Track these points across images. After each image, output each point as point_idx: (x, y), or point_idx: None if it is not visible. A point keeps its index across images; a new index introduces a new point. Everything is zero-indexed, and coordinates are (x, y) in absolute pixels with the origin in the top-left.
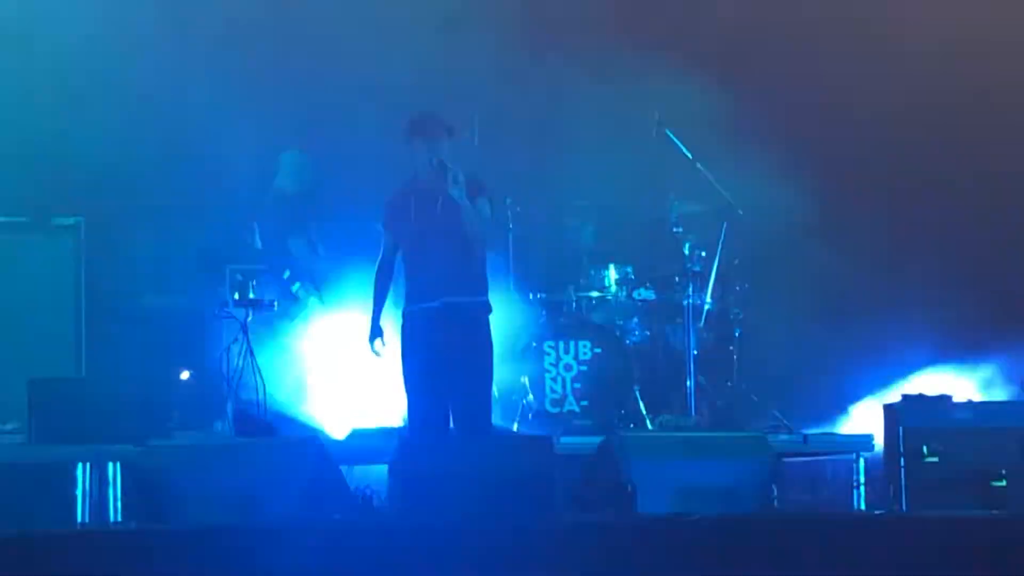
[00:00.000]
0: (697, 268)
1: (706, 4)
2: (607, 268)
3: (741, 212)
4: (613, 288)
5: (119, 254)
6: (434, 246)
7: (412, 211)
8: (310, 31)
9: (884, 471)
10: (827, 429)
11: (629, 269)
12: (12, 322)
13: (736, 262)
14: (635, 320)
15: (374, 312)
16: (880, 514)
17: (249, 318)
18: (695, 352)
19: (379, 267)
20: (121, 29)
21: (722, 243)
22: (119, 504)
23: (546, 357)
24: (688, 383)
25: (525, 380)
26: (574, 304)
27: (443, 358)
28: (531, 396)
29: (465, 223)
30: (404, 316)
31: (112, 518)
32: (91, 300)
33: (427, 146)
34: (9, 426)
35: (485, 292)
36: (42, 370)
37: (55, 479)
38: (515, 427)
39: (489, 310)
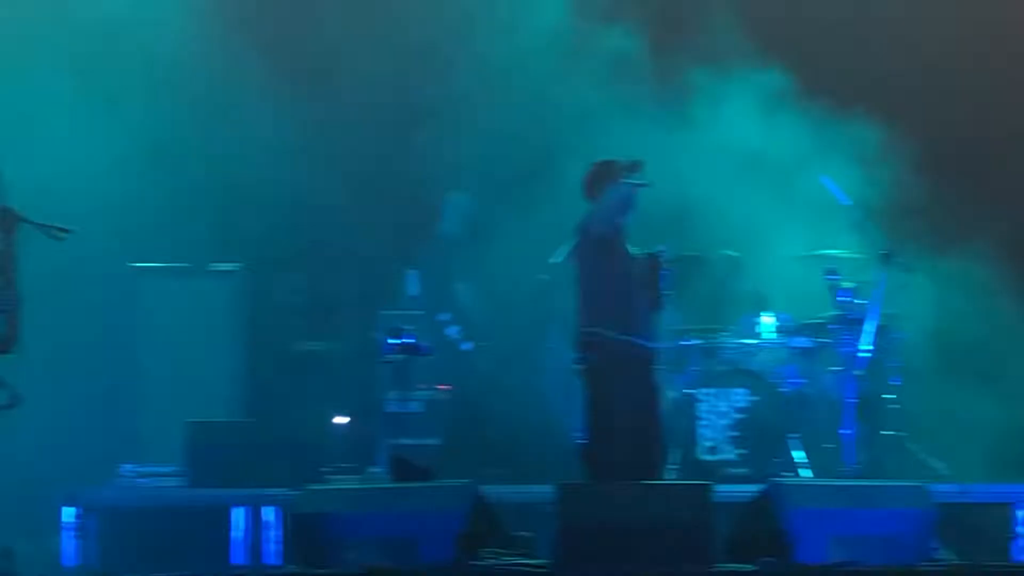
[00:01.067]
0: (855, 315)
1: (857, 44)
2: (763, 315)
3: (900, 259)
4: (769, 335)
5: (276, 299)
6: (633, 285)
7: (617, 247)
8: (461, 80)
9: None
10: (985, 480)
11: (785, 316)
12: (172, 366)
13: (895, 310)
14: (791, 367)
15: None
16: None
17: (405, 363)
18: (853, 400)
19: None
20: (275, 82)
21: (880, 290)
22: (278, 548)
23: (700, 404)
24: (846, 431)
25: (679, 427)
26: (730, 351)
27: (626, 399)
28: (685, 444)
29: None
30: (589, 347)
31: (267, 561)
32: (248, 345)
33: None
34: (167, 469)
35: None
36: (200, 413)
37: (212, 522)
38: (670, 475)
39: None
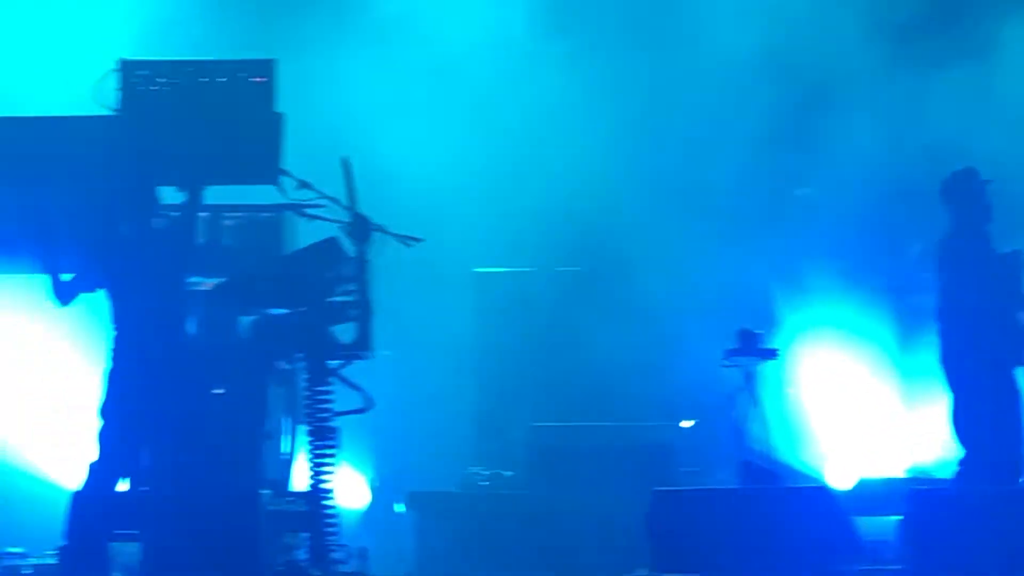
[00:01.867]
0: None
1: None
2: None
3: None
4: None
5: (621, 303)
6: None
7: (982, 252)
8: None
9: None
10: None
11: None
12: (512, 369)
13: None
14: None
15: None
16: None
17: (755, 366)
18: None
19: None
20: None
21: None
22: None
23: None
24: None
25: None
26: None
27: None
28: None
29: None
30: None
31: None
32: (590, 348)
33: None
34: (508, 473)
35: None
36: (541, 417)
37: (553, 525)
38: None
39: None
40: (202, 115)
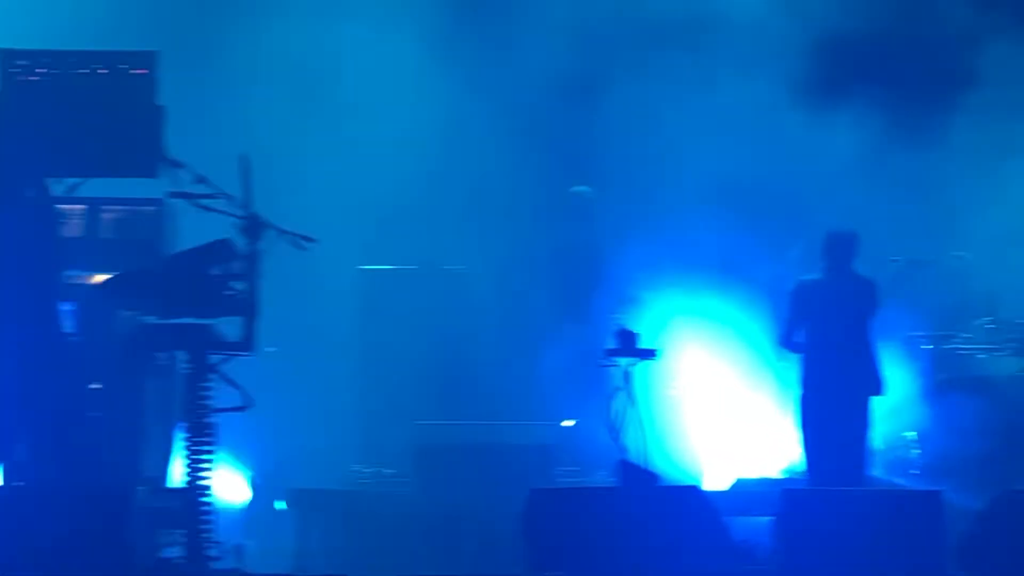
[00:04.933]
0: None
1: None
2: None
3: None
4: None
5: (504, 302)
6: None
7: None
8: None
9: None
10: None
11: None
12: (396, 367)
13: None
14: None
15: None
16: None
17: (632, 366)
18: None
19: None
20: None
21: None
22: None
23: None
24: None
25: (911, 434)
26: (962, 355)
27: None
28: (917, 450)
29: None
30: None
31: None
32: (475, 347)
33: None
34: (389, 471)
35: None
36: (427, 416)
37: (433, 523)
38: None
39: None
40: (81, 106)
